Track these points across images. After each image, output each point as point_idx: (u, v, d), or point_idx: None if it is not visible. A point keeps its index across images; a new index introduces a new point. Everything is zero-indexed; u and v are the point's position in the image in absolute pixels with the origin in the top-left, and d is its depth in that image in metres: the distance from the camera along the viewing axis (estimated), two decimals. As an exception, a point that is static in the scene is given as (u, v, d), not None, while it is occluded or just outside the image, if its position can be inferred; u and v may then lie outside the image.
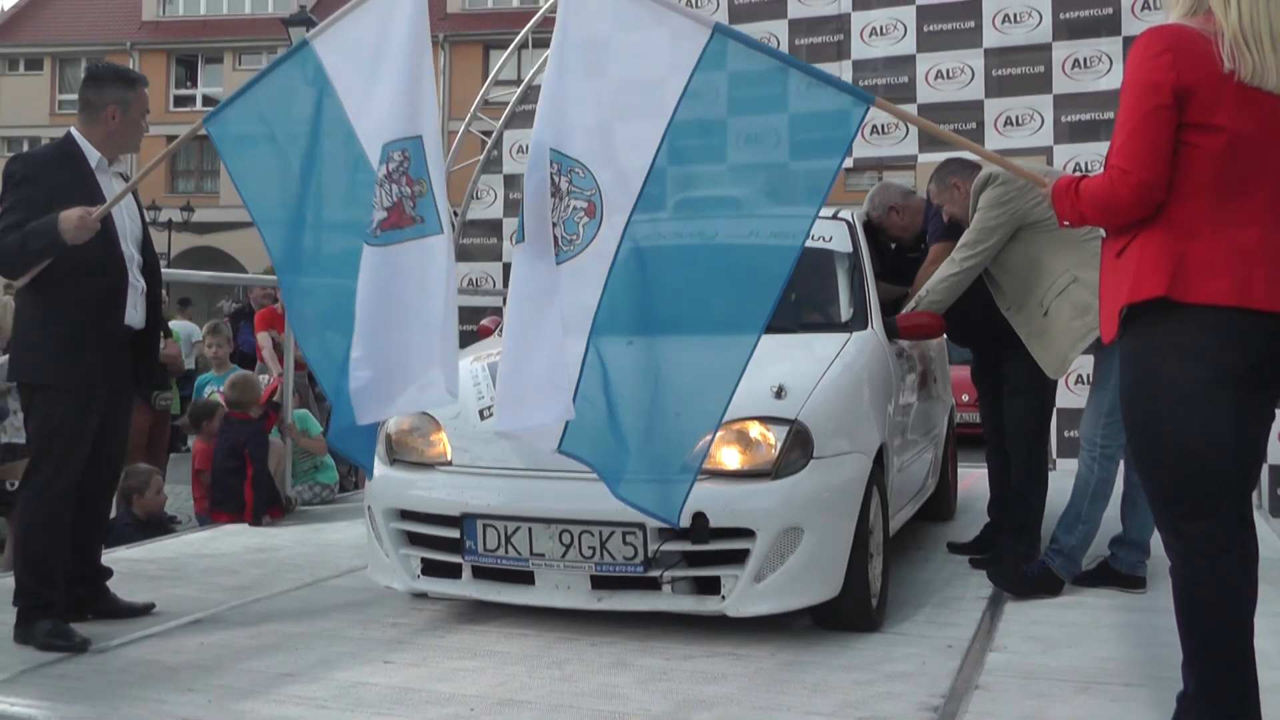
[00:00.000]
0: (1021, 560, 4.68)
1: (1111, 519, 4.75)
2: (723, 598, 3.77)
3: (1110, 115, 2.82)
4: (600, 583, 3.88)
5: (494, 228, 10.33)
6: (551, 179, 3.51)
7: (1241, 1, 2.64)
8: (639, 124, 3.51)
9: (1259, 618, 2.76)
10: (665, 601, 3.83)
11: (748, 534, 3.73)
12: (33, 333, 3.99)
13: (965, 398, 8.60)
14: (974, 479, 6.97)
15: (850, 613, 3.97)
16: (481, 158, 10.30)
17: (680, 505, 3.45)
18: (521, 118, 10.01)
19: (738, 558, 3.75)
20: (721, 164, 3.60)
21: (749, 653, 3.75)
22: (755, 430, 3.83)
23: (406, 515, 4.16)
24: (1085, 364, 6.81)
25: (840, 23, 8.96)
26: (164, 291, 4.49)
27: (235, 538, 6.05)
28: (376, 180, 3.70)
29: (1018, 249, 4.62)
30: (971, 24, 8.63)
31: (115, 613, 4.24)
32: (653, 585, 3.83)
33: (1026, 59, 8.48)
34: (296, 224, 3.93)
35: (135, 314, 4.14)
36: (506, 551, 3.91)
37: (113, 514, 5.39)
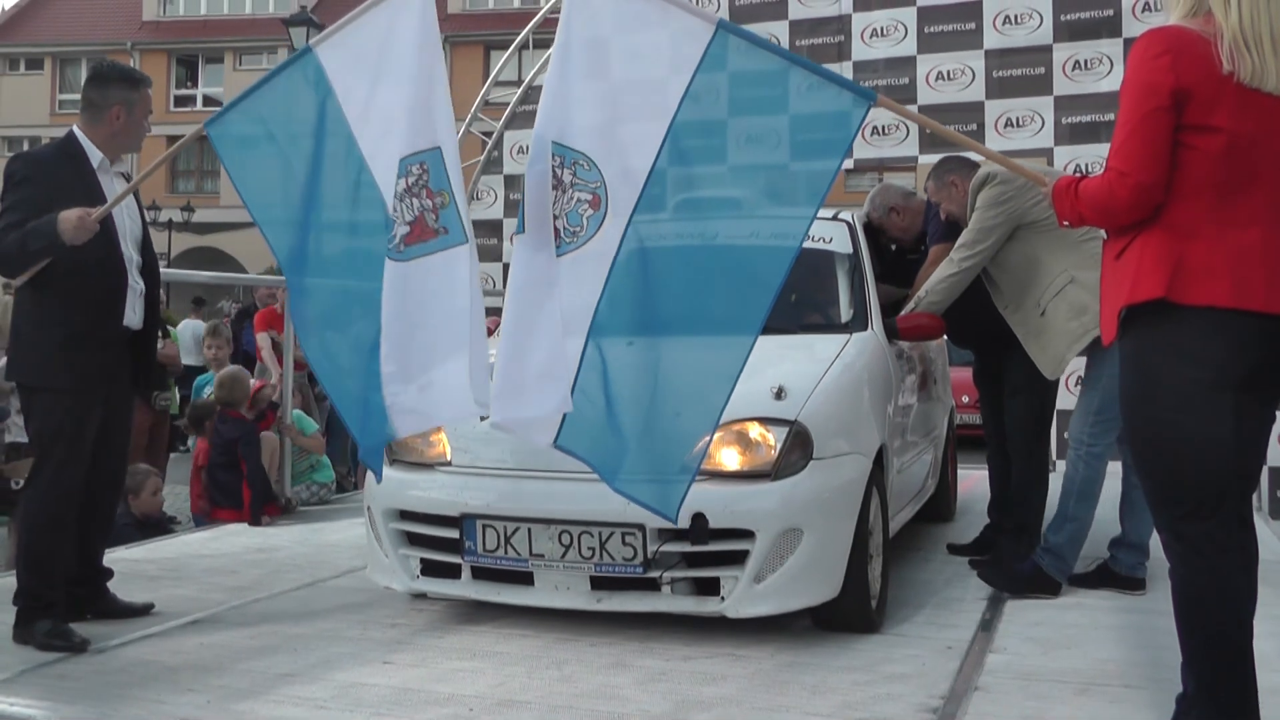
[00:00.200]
0: (1018, 560, 4.69)
1: (1110, 520, 4.75)
2: (722, 599, 3.77)
3: (1111, 117, 2.83)
4: (600, 583, 3.88)
5: (494, 228, 10.33)
6: (553, 171, 3.51)
7: (1242, 3, 2.64)
8: (641, 125, 3.51)
9: (1259, 620, 2.76)
10: (665, 602, 3.83)
11: (747, 535, 3.73)
12: (32, 334, 3.99)
13: (965, 399, 8.60)
14: (974, 480, 6.97)
15: (850, 614, 3.97)
16: (482, 158, 10.30)
17: (679, 504, 3.45)
18: (522, 118, 10.01)
19: (737, 559, 3.75)
20: (722, 165, 3.60)
21: (748, 654, 3.75)
22: (755, 431, 3.83)
23: (406, 515, 4.16)
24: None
25: (841, 24, 8.97)
26: (162, 292, 4.48)
27: (235, 538, 6.05)
28: (395, 194, 3.70)
29: (1016, 249, 4.62)
30: (972, 25, 8.64)
31: (115, 613, 4.24)
32: (652, 586, 3.83)
33: (1027, 60, 8.48)
34: (299, 227, 3.93)
35: (134, 315, 4.14)
36: (506, 552, 3.91)
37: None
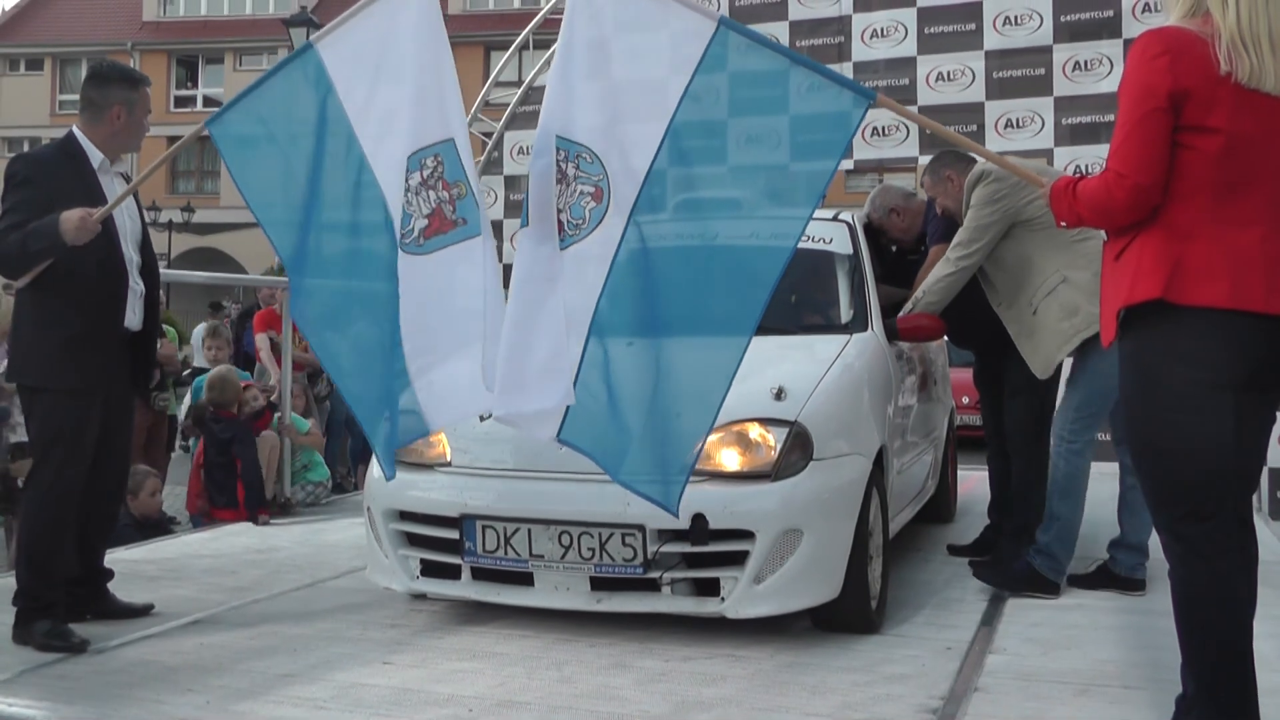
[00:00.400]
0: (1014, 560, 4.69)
1: (1110, 521, 4.75)
2: (722, 599, 3.77)
3: (1111, 118, 2.82)
4: (599, 584, 3.88)
5: (494, 229, 10.26)
6: (558, 165, 3.51)
7: (1240, 3, 2.64)
8: (641, 125, 3.52)
9: (1259, 620, 2.76)
10: (664, 603, 3.83)
11: (747, 535, 3.73)
12: (33, 335, 3.98)
13: (965, 400, 8.60)
14: (974, 481, 6.97)
15: (850, 614, 3.97)
16: (482, 159, 10.29)
17: (678, 500, 3.45)
18: (522, 119, 10.00)
19: (737, 559, 3.75)
20: (721, 165, 3.60)
21: (748, 654, 3.75)
22: (755, 432, 3.83)
23: (405, 516, 4.16)
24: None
25: (841, 24, 8.97)
26: (161, 293, 4.47)
27: (234, 539, 6.05)
28: (410, 189, 3.71)
29: (1010, 247, 4.63)
30: (972, 26, 8.63)
31: (114, 613, 4.24)
32: (652, 587, 3.83)
33: (1027, 61, 8.48)
34: (300, 225, 3.93)
35: (134, 316, 4.14)
36: (506, 552, 3.91)
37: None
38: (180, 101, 36.43)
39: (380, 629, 4.15)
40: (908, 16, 8.80)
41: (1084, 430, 4.52)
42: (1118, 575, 4.60)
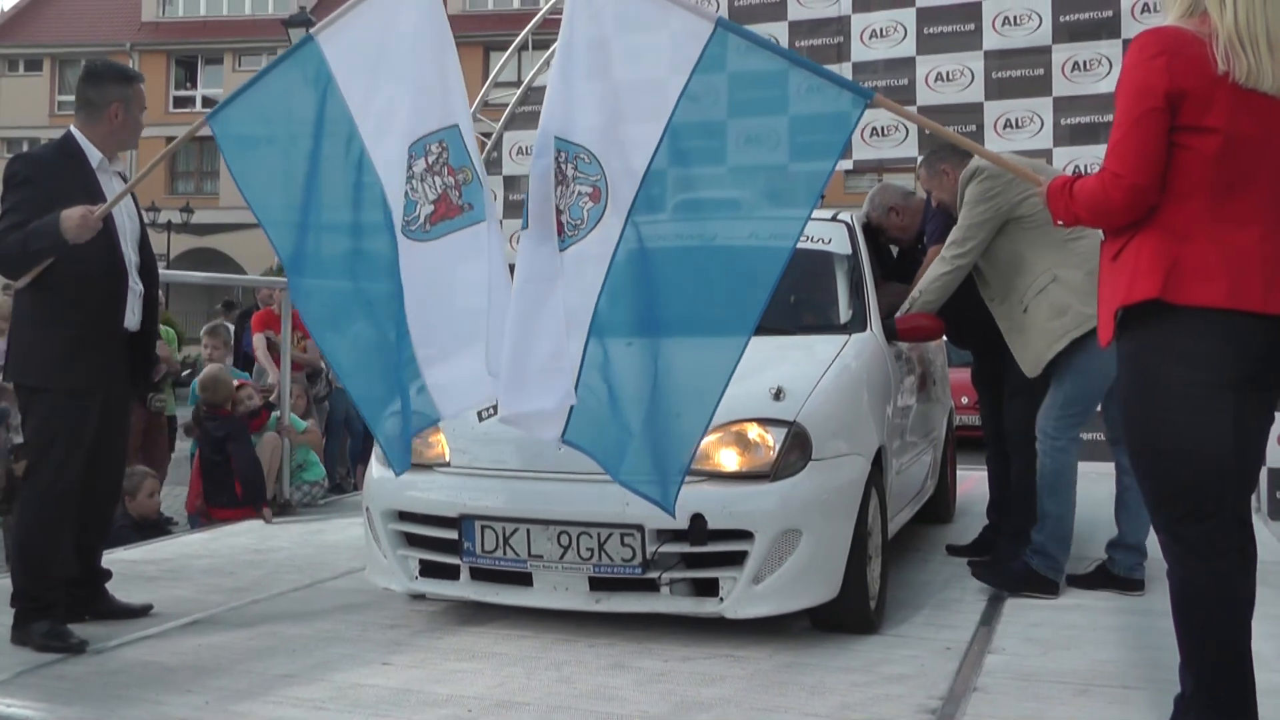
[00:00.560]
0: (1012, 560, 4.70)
1: (1109, 522, 4.75)
2: (721, 599, 3.77)
3: (1110, 118, 2.83)
4: (598, 584, 3.88)
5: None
6: (557, 165, 3.52)
7: (1238, 3, 2.64)
8: (639, 125, 3.52)
9: (1258, 620, 2.76)
10: (663, 603, 3.83)
11: (746, 536, 3.73)
12: (33, 335, 3.98)
13: (965, 400, 8.60)
14: (973, 481, 6.97)
15: (849, 615, 3.97)
16: (481, 159, 10.28)
17: (675, 500, 3.46)
18: (521, 119, 10.00)
19: (736, 559, 3.75)
20: (719, 165, 3.60)
21: (747, 654, 3.75)
22: (753, 432, 3.83)
23: (404, 516, 4.16)
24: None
25: (840, 25, 8.96)
26: (160, 294, 4.47)
27: (233, 539, 6.05)
28: (415, 175, 3.73)
29: (1003, 244, 4.63)
30: (971, 26, 8.63)
31: (113, 614, 4.24)
32: (651, 587, 3.83)
33: (1026, 61, 8.47)
34: (300, 226, 3.94)
35: (133, 317, 4.14)
36: (505, 553, 3.91)
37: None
38: (179, 102, 36.43)
39: (379, 629, 4.15)
40: (907, 17, 8.80)
41: (1069, 428, 4.53)
42: (1116, 575, 4.60)
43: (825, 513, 3.82)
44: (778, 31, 9.09)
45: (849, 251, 5.02)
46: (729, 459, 3.82)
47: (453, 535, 4.00)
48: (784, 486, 3.76)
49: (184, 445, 7.51)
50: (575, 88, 3.57)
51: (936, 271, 4.71)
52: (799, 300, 4.89)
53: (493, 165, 10.30)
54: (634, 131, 3.53)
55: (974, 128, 8.43)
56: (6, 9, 39.39)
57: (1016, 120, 8.46)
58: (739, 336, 3.34)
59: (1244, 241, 2.65)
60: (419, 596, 4.34)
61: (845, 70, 8.79)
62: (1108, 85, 8.01)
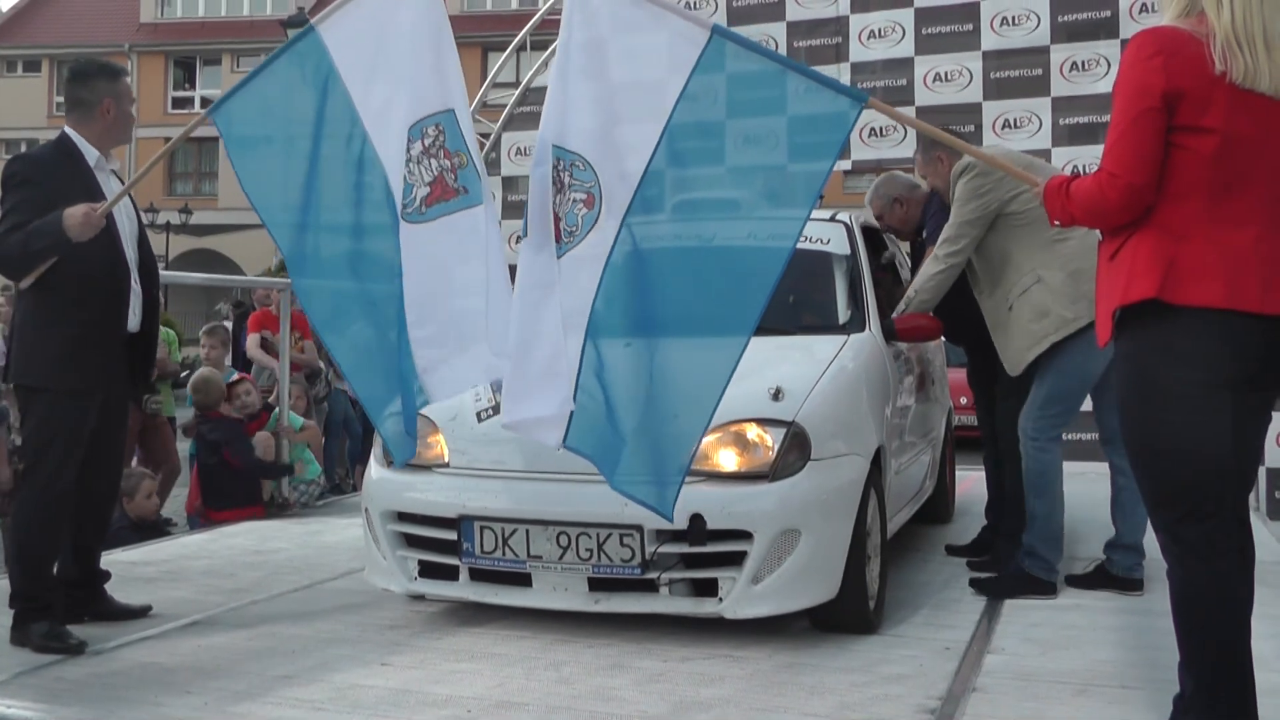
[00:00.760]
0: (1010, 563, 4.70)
1: (1107, 522, 4.75)
2: (720, 600, 3.77)
3: (1108, 118, 2.83)
4: (598, 584, 3.88)
5: (493, 231, 10.30)
6: (555, 173, 3.54)
7: (1234, 3, 2.64)
8: (637, 126, 3.53)
9: (1257, 620, 2.76)
10: (663, 603, 3.83)
11: (745, 536, 3.73)
12: (35, 335, 3.97)
13: (963, 400, 8.60)
14: (972, 481, 6.97)
15: (848, 615, 3.97)
16: (477, 146, 10.27)
17: (674, 503, 3.46)
18: (520, 120, 10.00)
19: (735, 560, 3.75)
20: (718, 166, 3.61)
21: (746, 655, 3.75)
22: (753, 432, 3.83)
23: (404, 517, 4.16)
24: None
25: (838, 25, 8.96)
26: (160, 294, 4.47)
27: (232, 540, 6.04)
28: (412, 158, 3.75)
29: (992, 240, 4.63)
30: (970, 27, 8.63)
31: (112, 615, 4.23)
32: (650, 587, 3.83)
33: (1024, 62, 8.48)
34: (302, 225, 3.95)
35: (133, 317, 4.14)
36: (504, 553, 3.91)
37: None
38: (178, 103, 36.40)
39: (378, 630, 4.15)
40: (905, 17, 8.80)
41: (1050, 428, 4.54)
42: (1116, 576, 4.60)
43: (824, 513, 3.82)
44: (776, 32, 9.09)
45: (847, 252, 5.03)
46: (728, 459, 3.82)
47: (452, 536, 4.00)
48: (783, 487, 3.76)
49: (183, 446, 7.50)
50: (571, 91, 3.58)
51: (931, 270, 4.72)
52: (798, 300, 4.89)
53: (491, 166, 10.29)
54: (631, 132, 3.54)
55: (972, 128, 8.43)
56: (5, 10, 39.40)
57: (1015, 120, 8.46)
58: (739, 337, 3.34)
59: (1241, 241, 2.65)
60: (418, 597, 4.34)
61: (844, 70, 8.80)
62: (1106, 85, 8.00)
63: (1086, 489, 5.31)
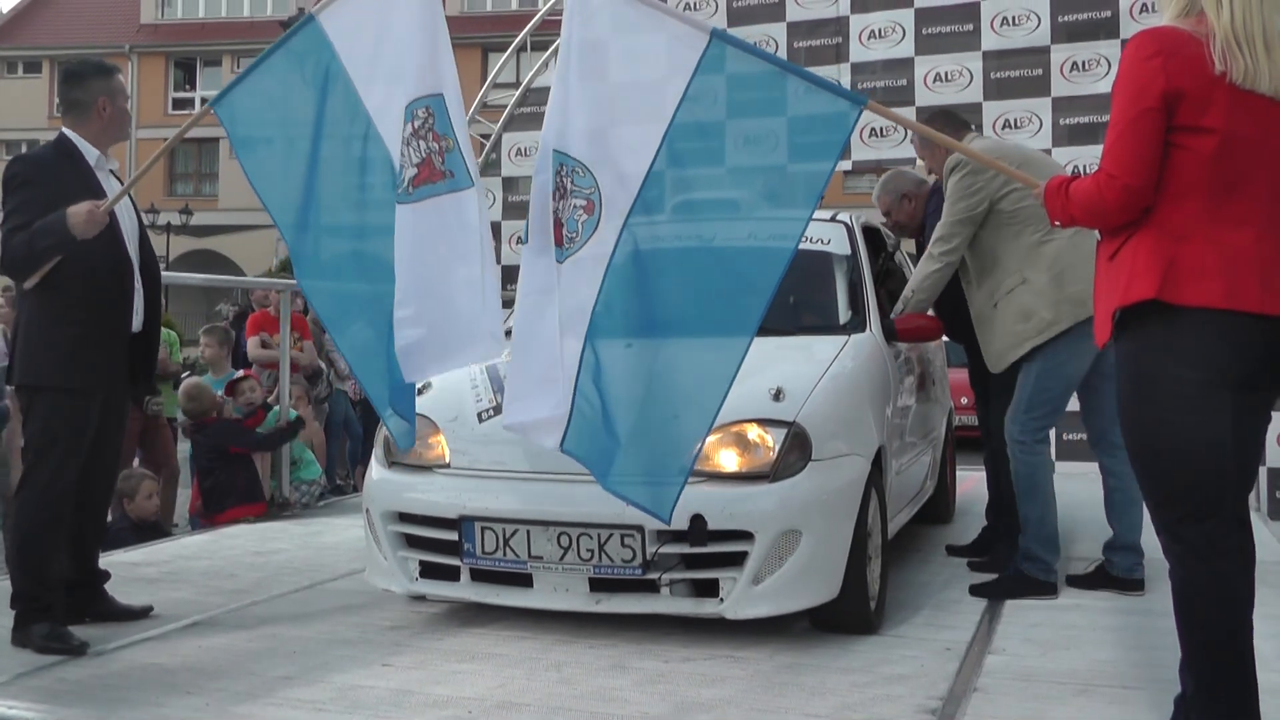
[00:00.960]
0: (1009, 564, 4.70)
1: (1104, 524, 4.75)
2: (721, 600, 3.77)
3: (1109, 118, 2.84)
4: (599, 585, 3.88)
5: (493, 230, 10.28)
6: (556, 179, 3.55)
7: (1234, 3, 2.64)
8: (639, 126, 3.54)
9: (1258, 620, 2.76)
10: (663, 604, 3.83)
11: (746, 536, 3.73)
12: (40, 335, 3.97)
13: (964, 400, 8.60)
14: (973, 482, 6.97)
15: (848, 615, 3.97)
16: (480, 160, 10.28)
17: (673, 505, 3.46)
18: (520, 120, 10.00)
19: (736, 560, 3.75)
20: (719, 167, 3.61)
21: (747, 655, 3.75)
22: (753, 432, 3.83)
23: (404, 518, 4.16)
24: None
25: (839, 25, 8.96)
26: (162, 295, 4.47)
27: (233, 541, 6.04)
28: (403, 139, 3.77)
29: (982, 235, 4.63)
30: (970, 27, 8.63)
31: (113, 616, 4.23)
32: (651, 587, 3.83)
33: (1025, 62, 8.48)
34: (309, 225, 3.97)
35: (136, 318, 4.14)
36: (505, 554, 3.91)
37: (109, 518, 5.38)
38: (178, 104, 36.38)
39: (379, 631, 4.15)
40: (905, 17, 8.80)
41: (1035, 430, 4.55)
42: (1116, 577, 4.60)
43: (825, 513, 3.82)
44: (776, 32, 9.10)
45: (848, 252, 5.03)
46: (729, 459, 3.83)
47: (453, 536, 4.00)
48: (784, 487, 3.76)
49: (184, 447, 7.50)
50: (572, 93, 3.59)
51: (926, 270, 4.72)
52: (798, 301, 4.89)
53: (492, 167, 10.30)
54: (632, 133, 3.54)
55: (973, 128, 8.42)
56: (5, 11, 39.39)
57: (1015, 120, 8.46)
58: (741, 338, 3.35)
59: (1241, 242, 2.65)
60: (419, 598, 4.34)
61: (844, 71, 8.80)
62: (1106, 85, 8.00)
63: (1086, 489, 5.31)
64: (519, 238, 9.93)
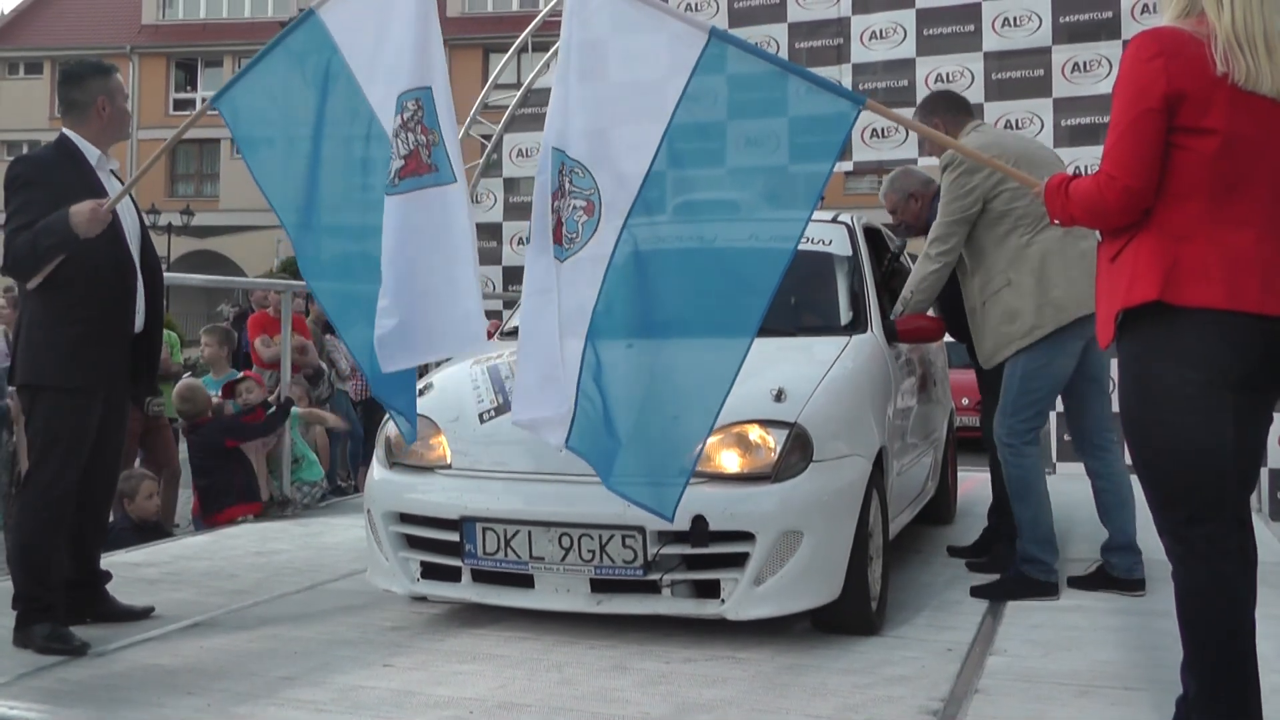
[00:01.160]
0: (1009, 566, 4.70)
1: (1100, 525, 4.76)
2: (722, 601, 3.77)
3: (1109, 119, 2.84)
4: (600, 586, 3.88)
5: (494, 231, 10.32)
6: (557, 179, 3.55)
7: (1235, 4, 2.64)
8: (638, 126, 3.54)
9: (1259, 621, 2.75)
10: (665, 604, 3.83)
11: (747, 537, 3.73)
12: (41, 335, 3.97)
13: (965, 401, 8.61)
14: (974, 483, 6.97)
15: (850, 616, 3.97)
16: (481, 161, 10.29)
17: (675, 504, 3.46)
18: (521, 121, 10.01)
19: (737, 561, 3.75)
20: (718, 167, 3.62)
21: (748, 656, 3.75)
22: (755, 433, 3.83)
23: (406, 518, 4.16)
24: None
25: (840, 26, 8.97)
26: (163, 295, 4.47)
27: (234, 541, 6.04)
28: (393, 130, 3.79)
29: (974, 233, 4.62)
30: (971, 28, 8.64)
31: (114, 616, 4.23)
32: (652, 588, 3.83)
33: (1026, 63, 8.49)
34: (306, 225, 3.98)
35: (137, 318, 4.14)
36: (506, 554, 3.91)
37: (110, 518, 5.38)
38: (179, 105, 36.40)
39: (380, 631, 4.15)
40: (907, 18, 8.81)
41: (1024, 432, 4.55)
42: (1116, 578, 4.60)
43: (826, 514, 3.82)
44: (777, 33, 9.10)
45: (849, 253, 5.03)
46: (730, 460, 3.82)
47: (454, 537, 4.00)
48: (785, 488, 3.76)
49: (185, 447, 7.50)
50: (573, 93, 3.59)
51: (924, 270, 4.71)
52: (799, 301, 4.89)
53: (493, 168, 10.32)
54: (632, 133, 3.55)
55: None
56: (6, 12, 39.41)
57: (1016, 121, 8.47)
58: (741, 339, 3.35)
59: (1241, 243, 2.65)
60: (420, 598, 4.34)
61: (845, 71, 8.81)
62: (1107, 86, 7.93)
63: (1085, 490, 5.27)
64: (520, 238, 9.94)
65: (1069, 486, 4.77)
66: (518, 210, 10.00)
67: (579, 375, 3.55)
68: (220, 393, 7.20)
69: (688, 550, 3.76)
